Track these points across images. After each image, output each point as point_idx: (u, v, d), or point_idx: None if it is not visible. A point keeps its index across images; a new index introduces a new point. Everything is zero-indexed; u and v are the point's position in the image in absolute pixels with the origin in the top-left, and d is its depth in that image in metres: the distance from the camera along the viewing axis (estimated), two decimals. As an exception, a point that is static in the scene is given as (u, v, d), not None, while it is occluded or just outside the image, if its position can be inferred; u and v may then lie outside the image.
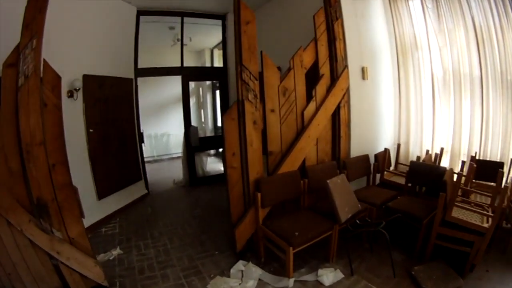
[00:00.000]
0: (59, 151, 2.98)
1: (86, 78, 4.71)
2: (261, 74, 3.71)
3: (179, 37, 6.95)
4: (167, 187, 7.14)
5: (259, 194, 3.55)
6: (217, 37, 7.80)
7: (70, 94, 4.44)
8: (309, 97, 4.15)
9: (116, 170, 5.40)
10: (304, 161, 4.10)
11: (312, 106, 4.16)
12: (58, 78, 2.98)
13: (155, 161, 10.10)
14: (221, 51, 7.83)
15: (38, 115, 2.84)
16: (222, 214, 5.10)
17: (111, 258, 3.88)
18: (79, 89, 4.51)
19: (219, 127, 9.73)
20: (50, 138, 2.91)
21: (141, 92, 6.32)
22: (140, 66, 6.20)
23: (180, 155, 7.68)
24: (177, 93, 8.77)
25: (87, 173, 4.80)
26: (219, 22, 7.16)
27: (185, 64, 6.97)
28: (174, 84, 8.31)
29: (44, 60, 2.90)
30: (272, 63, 3.79)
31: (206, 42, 9.12)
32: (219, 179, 6.97)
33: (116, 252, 4.01)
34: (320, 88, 4.24)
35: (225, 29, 7.14)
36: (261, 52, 3.71)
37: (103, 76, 5.07)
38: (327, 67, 4.34)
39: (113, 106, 5.32)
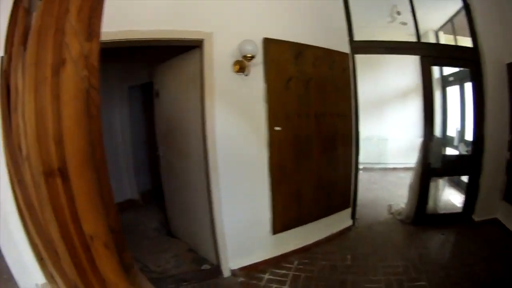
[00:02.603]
0: (101, 206, 1.14)
1: (270, 44, 3.26)
2: None
3: (399, 9, 5.37)
4: (379, 216, 5.10)
5: None
6: (442, 13, 5.76)
7: (240, 68, 2.97)
8: None
9: (311, 193, 3.81)
10: None
11: None
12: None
13: (363, 169, 8.50)
14: (448, 36, 5.99)
15: (47, 89, 1.10)
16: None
17: None
18: (251, 57, 2.98)
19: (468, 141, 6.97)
20: (75, 158, 1.10)
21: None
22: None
23: (397, 166, 6.76)
24: (400, 85, 8.13)
25: (262, 195, 3.43)
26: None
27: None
28: (394, 72, 7.53)
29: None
30: None
31: (428, 21, 6.77)
32: (454, 219, 4.78)
33: None
34: None
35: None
36: None
37: (301, 44, 3.49)
38: None
39: (318, 91, 3.71)
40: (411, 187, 4.89)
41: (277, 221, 3.46)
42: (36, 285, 2.84)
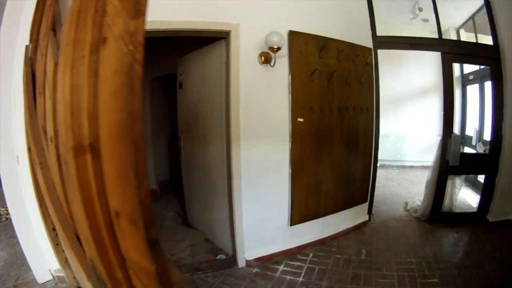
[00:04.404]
0: (132, 179, 0.86)
1: (295, 36, 3.24)
2: None
3: (421, 5, 5.32)
4: (395, 213, 5.03)
5: None
6: (463, 10, 5.62)
7: (265, 59, 2.98)
8: None
9: (331, 186, 3.78)
10: None
11: None
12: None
13: (380, 166, 8.31)
14: (469, 33, 5.83)
15: (84, 67, 1.04)
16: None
17: None
18: (277, 49, 2.97)
19: (486, 141, 6.77)
20: (109, 134, 0.97)
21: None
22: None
23: (414, 164, 6.76)
24: (419, 82, 8.06)
25: (282, 185, 3.36)
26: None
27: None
28: (413, 68, 7.52)
29: None
30: None
31: (449, 19, 6.51)
32: (468, 219, 4.70)
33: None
34: None
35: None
36: None
37: (325, 37, 3.46)
38: None
39: (341, 85, 3.66)
40: (428, 184, 4.81)
41: (296, 213, 3.41)
42: (50, 270, 2.88)
